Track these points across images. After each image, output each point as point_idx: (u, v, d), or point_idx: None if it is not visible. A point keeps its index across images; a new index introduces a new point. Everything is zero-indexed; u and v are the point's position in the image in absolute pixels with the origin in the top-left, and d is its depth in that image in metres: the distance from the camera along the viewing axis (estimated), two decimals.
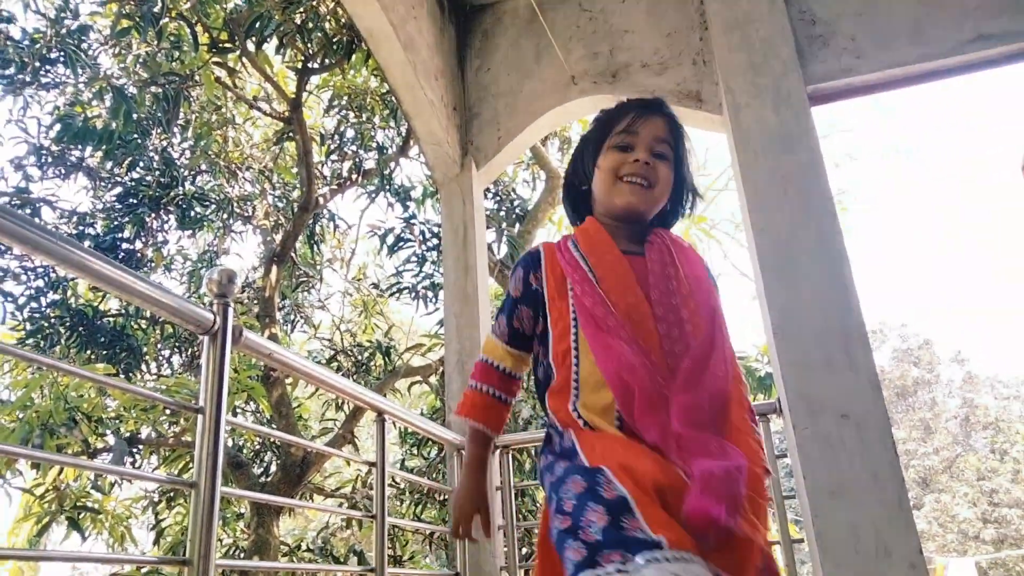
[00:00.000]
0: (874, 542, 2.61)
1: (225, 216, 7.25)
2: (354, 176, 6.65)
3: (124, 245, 6.89)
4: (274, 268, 6.08)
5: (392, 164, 6.76)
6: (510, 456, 3.62)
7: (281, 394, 5.57)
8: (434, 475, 6.06)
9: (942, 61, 3.23)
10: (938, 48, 3.22)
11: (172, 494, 6.79)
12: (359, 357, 7.33)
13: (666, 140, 1.42)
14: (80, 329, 6.56)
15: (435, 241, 6.79)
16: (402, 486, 6.11)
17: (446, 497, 5.92)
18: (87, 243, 6.65)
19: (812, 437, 2.85)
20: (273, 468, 5.90)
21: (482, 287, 3.91)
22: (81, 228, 6.75)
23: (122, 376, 6.37)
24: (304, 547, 6.40)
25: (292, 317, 8.02)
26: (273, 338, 5.78)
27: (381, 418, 2.70)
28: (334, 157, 6.83)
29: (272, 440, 6.97)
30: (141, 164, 6.81)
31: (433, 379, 6.60)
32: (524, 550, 6.47)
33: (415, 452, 6.55)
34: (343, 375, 7.10)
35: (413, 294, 6.80)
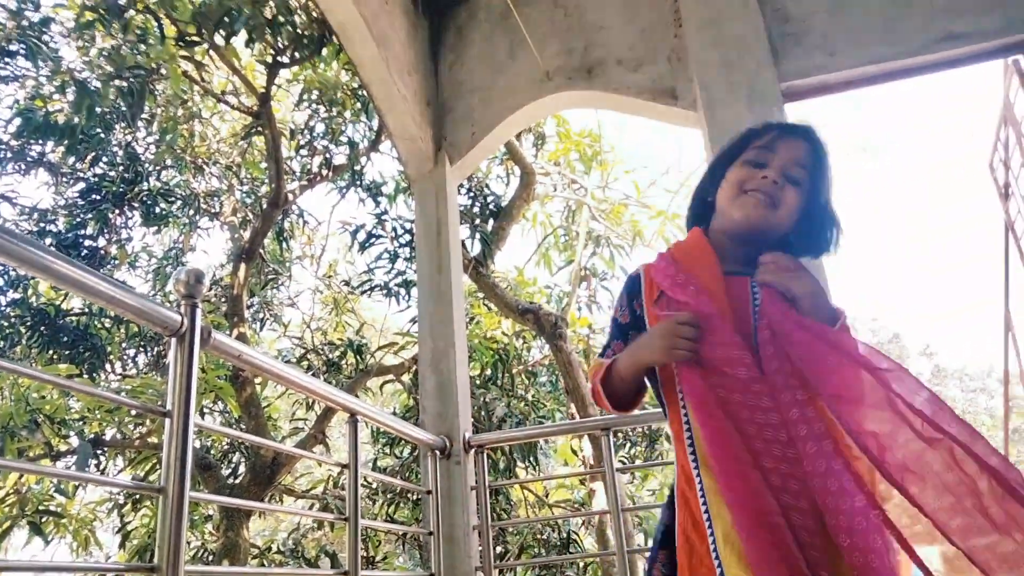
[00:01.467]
0: None
1: (191, 212, 7.11)
2: (324, 171, 6.55)
3: (87, 242, 6.72)
4: (242, 266, 5.96)
5: (363, 159, 6.67)
6: (484, 456, 3.59)
7: (251, 394, 5.48)
8: (407, 475, 6.01)
9: (913, 59, 3.26)
10: (909, 46, 3.24)
11: (138, 496, 6.65)
12: (330, 356, 7.23)
13: (804, 166, 1.33)
14: (42, 328, 6.39)
15: (407, 237, 6.72)
16: (374, 486, 6.04)
17: (419, 497, 5.86)
18: (49, 240, 6.48)
19: None
20: (242, 469, 5.80)
21: (456, 286, 3.87)
22: (42, 225, 6.57)
23: (86, 376, 6.21)
24: (275, 549, 6.31)
25: (261, 315, 7.89)
26: (242, 337, 5.68)
27: (354, 419, 2.65)
28: (304, 152, 6.73)
29: (241, 441, 6.85)
30: (104, 159, 6.64)
31: (406, 377, 6.54)
32: (498, 549, 6.45)
33: (388, 451, 6.49)
34: (314, 374, 7.00)
35: (385, 291, 6.73)
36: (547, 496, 7.02)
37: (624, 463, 6.47)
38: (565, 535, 6.40)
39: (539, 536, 6.39)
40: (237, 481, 5.51)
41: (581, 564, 6.53)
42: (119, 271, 7.21)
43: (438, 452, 3.36)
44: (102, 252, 6.68)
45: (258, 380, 5.74)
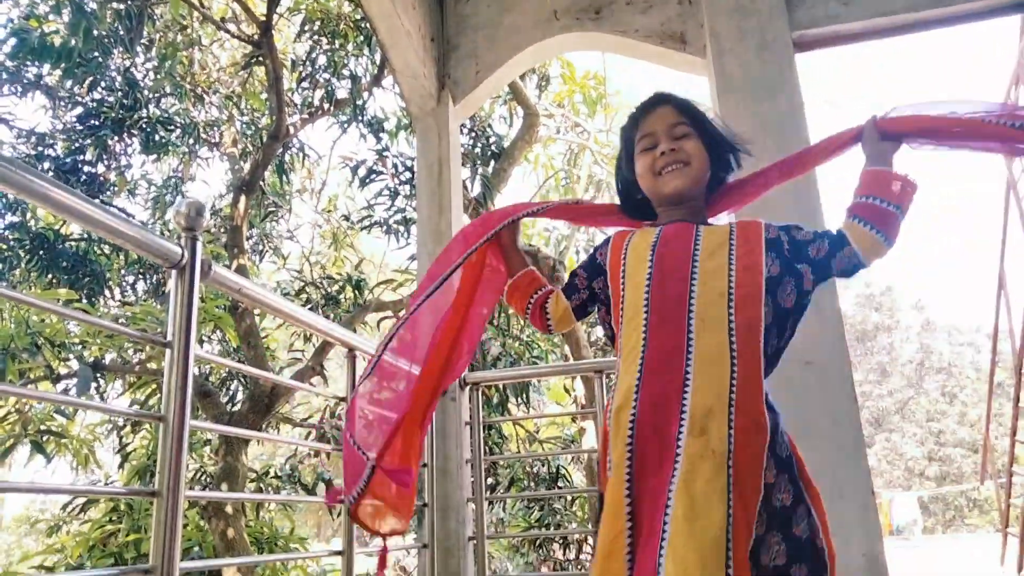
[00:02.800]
0: (829, 484, 2.71)
1: (191, 141, 7.04)
2: (326, 105, 6.46)
3: (86, 168, 6.67)
4: (242, 198, 5.94)
5: (365, 94, 6.57)
6: (479, 392, 3.66)
7: (250, 325, 5.53)
8: None
9: (927, 12, 3.19)
10: None
11: (138, 420, 6.79)
12: (328, 290, 7.28)
13: (680, 122, 1.49)
14: (40, 253, 6.40)
15: (408, 175, 6.68)
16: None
17: None
18: (47, 165, 6.43)
19: (775, 383, 2.92)
20: (241, 396, 5.90)
21: (456, 227, 3.87)
22: (40, 149, 6.51)
23: (85, 302, 6.26)
24: (272, 473, 6.47)
25: (260, 247, 7.91)
26: (241, 269, 5.70)
27: (352, 354, 2.70)
28: (305, 85, 6.62)
29: (242, 378, 6.95)
30: (103, 84, 6.54)
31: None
32: (489, 480, 6.63)
33: None
34: (312, 308, 7.06)
35: (385, 228, 6.73)
36: (538, 432, 7.18)
37: None
38: (554, 470, 6.58)
39: (529, 470, 6.57)
40: (236, 409, 5.61)
41: (569, 497, 6.73)
42: (118, 198, 7.18)
43: None
44: (101, 179, 6.64)
45: (257, 311, 5.80)
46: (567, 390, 6.76)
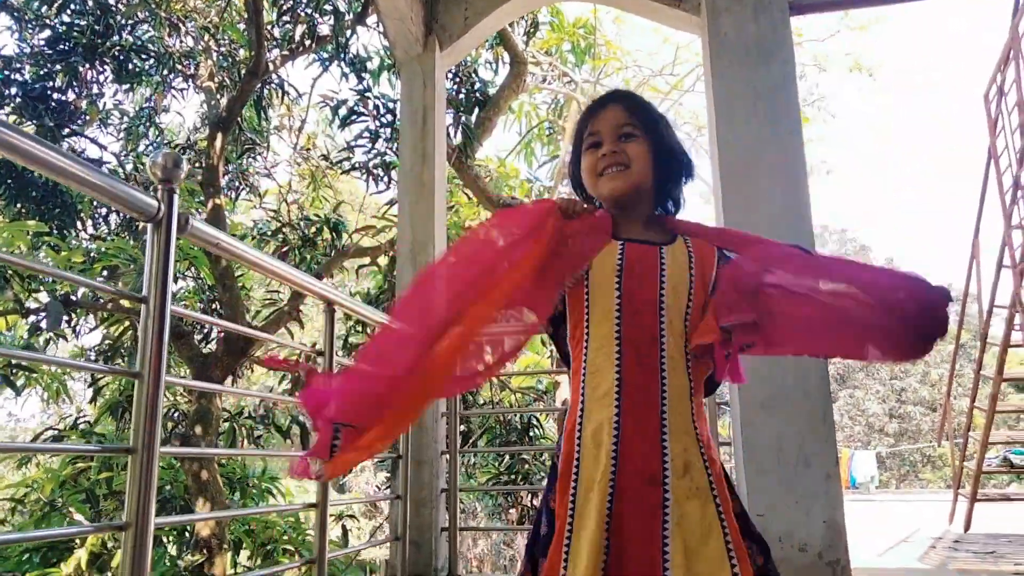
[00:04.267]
0: (796, 453, 2.78)
1: (165, 72, 6.80)
2: (307, 42, 6.25)
3: (55, 96, 6.43)
4: (219, 135, 5.78)
5: (348, 32, 6.36)
6: None
7: (226, 266, 5.45)
8: None
9: None
10: None
11: (109, 354, 6.73)
12: (306, 231, 7.18)
13: (628, 123, 1.43)
14: (9, 182, 6.21)
15: (390, 117, 6.53)
16: None
17: None
18: (14, 90, 6.18)
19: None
20: (215, 334, 5.84)
21: (439, 177, 3.82)
22: (6, 73, 6.25)
23: (55, 235, 6.12)
24: (246, 414, 6.49)
25: (236, 184, 7.74)
26: (217, 209, 5.59)
27: (331, 308, 2.67)
28: (286, 19, 6.39)
29: (214, 308, 6.88)
30: (73, 7, 6.25)
31: (382, 259, 6.55)
32: (461, 427, 6.71)
33: (359, 329, 6.58)
34: (289, 249, 6.98)
35: (364, 172, 6.61)
36: (510, 380, 7.24)
37: None
38: (526, 419, 6.67)
39: (501, 419, 6.65)
40: (210, 350, 5.57)
41: (539, 449, 6.84)
42: (90, 128, 6.96)
43: None
44: (72, 107, 6.41)
45: (239, 269, 5.71)
46: (543, 342, 6.80)
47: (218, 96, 6.46)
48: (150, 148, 7.67)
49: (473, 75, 5.94)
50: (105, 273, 5.76)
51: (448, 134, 5.81)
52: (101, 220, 7.55)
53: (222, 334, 5.64)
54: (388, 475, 6.41)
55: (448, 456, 3.47)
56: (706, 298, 1.34)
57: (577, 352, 1.36)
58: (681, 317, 1.32)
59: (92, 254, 6.14)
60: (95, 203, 7.30)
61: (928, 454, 23.49)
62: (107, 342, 6.95)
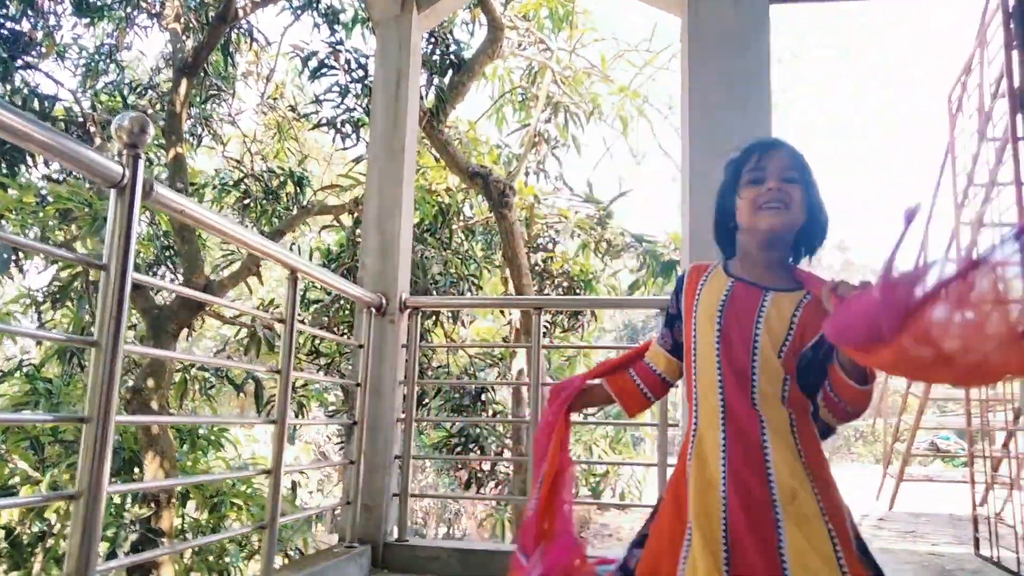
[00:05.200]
0: None
1: (128, 8, 6.52)
2: None
3: (8, 24, 6.13)
4: (183, 81, 5.59)
5: None
6: (419, 317, 3.68)
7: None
8: (340, 330, 6.10)
9: None
10: None
11: (58, 296, 6.56)
12: (269, 183, 7.04)
13: (793, 168, 1.55)
14: None
15: (361, 73, 6.40)
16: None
17: (348, 350, 6.04)
18: None
19: None
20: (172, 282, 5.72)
21: (410, 143, 3.77)
22: None
23: (6, 173, 5.89)
24: (198, 366, 6.42)
25: (198, 130, 7.52)
26: (179, 159, 5.44)
27: (294, 276, 2.65)
28: None
29: (169, 255, 6.74)
30: None
31: (345, 218, 6.47)
32: (416, 389, 6.73)
33: (316, 286, 6.54)
34: (251, 201, 6.85)
35: (332, 127, 6.48)
36: (464, 342, 7.27)
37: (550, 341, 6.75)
38: (480, 388, 6.75)
39: (456, 382, 6.71)
40: (166, 303, 5.47)
41: (490, 411, 6.93)
42: (45, 61, 6.66)
43: (374, 309, 3.42)
44: (27, 37, 6.12)
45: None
46: (503, 312, 6.83)
47: (184, 38, 6.23)
48: (109, 86, 7.39)
49: (448, 36, 5.83)
50: (58, 216, 5.59)
51: (421, 96, 5.73)
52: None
53: (176, 285, 5.54)
54: (340, 434, 6.43)
55: (403, 424, 3.50)
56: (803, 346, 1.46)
57: (688, 377, 1.57)
58: (775, 356, 1.44)
59: (45, 194, 5.95)
60: None
61: (862, 430, 24.36)
62: (56, 284, 6.78)
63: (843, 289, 1.36)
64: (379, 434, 3.39)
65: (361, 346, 3.38)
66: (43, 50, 6.38)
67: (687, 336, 1.59)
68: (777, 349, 1.45)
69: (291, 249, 6.77)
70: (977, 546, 4.27)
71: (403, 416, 3.51)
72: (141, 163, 1.78)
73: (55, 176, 6.60)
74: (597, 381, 1.86)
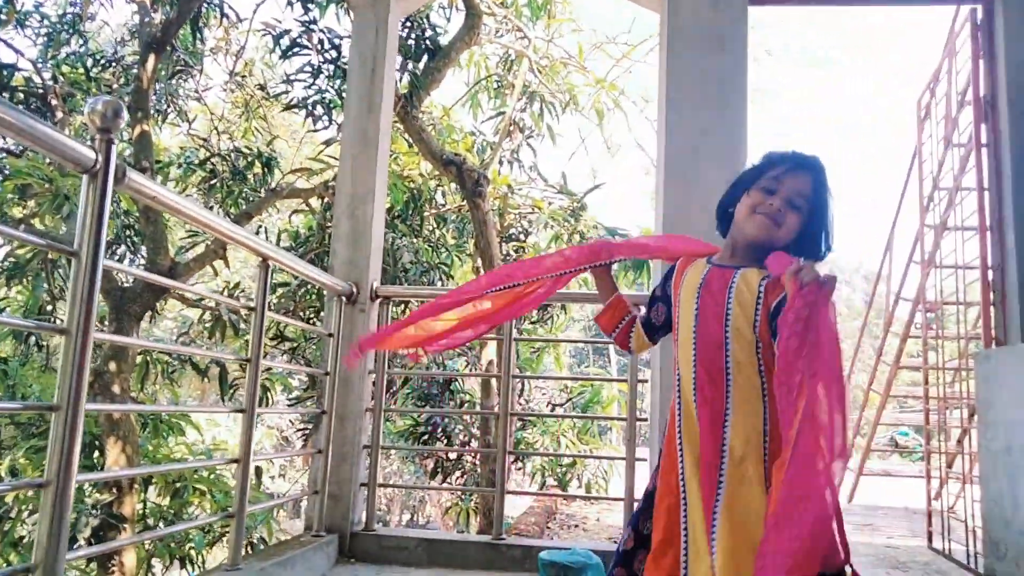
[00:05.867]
0: None
1: None
2: None
3: None
4: (151, 57, 5.44)
5: None
6: (389, 307, 3.66)
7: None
8: (307, 315, 6.03)
9: None
10: None
11: (13, 272, 6.38)
12: (236, 163, 6.91)
13: (806, 196, 1.63)
14: None
15: (334, 54, 6.30)
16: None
17: (314, 336, 6.00)
18: None
19: None
20: (135, 262, 5.58)
21: (384, 130, 3.73)
22: None
23: None
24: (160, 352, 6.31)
25: (164, 107, 7.34)
26: (145, 135, 5.30)
27: (265, 264, 2.62)
28: None
29: (129, 235, 6.57)
30: None
31: (315, 202, 6.38)
32: (392, 390, 6.71)
33: (282, 270, 6.45)
34: (217, 181, 6.72)
35: (303, 108, 6.37)
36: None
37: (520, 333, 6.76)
38: (448, 378, 6.75)
39: (424, 371, 6.69)
40: (128, 285, 5.35)
41: (458, 401, 6.94)
42: (4, 29, 6.43)
43: (344, 298, 3.39)
44: None
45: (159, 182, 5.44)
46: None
47: (152, 10, 6.05)
48: (71, 57, 7.17)
49: (424, 21, 5.75)
50: (16, 191, 5.42)
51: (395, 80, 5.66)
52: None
53: (141, 268, 5.42)
54: (304, 419, 6.39)
55: (372, 414, 3.49)
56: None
57: (675, 353, 1.69)
58: (750, 326, 1.55)
59: (4, 169, 5.77)
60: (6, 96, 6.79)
61: None
62: (10, 260, 6.59)
63: (805, 274, 1.42)
64: (348, 423, 3.37)
65: (331, 335, 3.35)
66: (3, 17, 6.16)
67: (673, 318, 1.71)
68: (750, 319, 1.55)
69: (258, 232, 6.66)
70: (930, 539, 4.41)
71: (371, 406, 3.50)
72: (114, 148, 1.74)
73: (13, 149, 6.40)
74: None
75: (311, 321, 5.96)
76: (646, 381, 3.57)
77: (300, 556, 2.81)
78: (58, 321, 5.81)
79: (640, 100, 7.13)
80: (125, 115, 1.78)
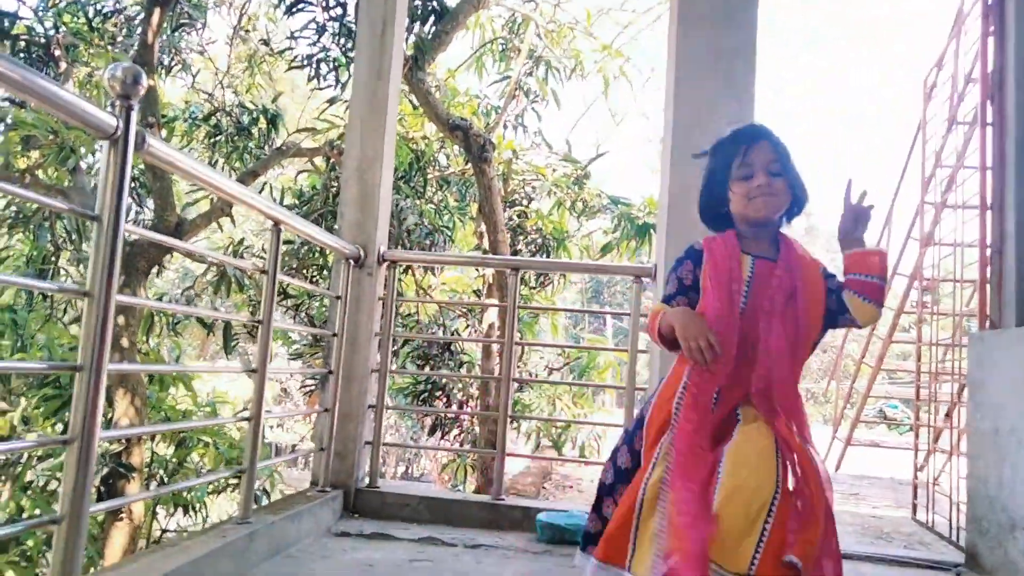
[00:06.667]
0: None
1: None
2: None
3: None
4: (156, 11, 5.39)
5: None
6: (396, 270, 3.71)
7: None
8: (310, 273, 6.08)
9: None
10: None
11: (14, 224, 6.40)
12: (241, 119, 6.89)
13: (775, 159, 1.77)
14: None
15: (339, 11, 6.25)
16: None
17: (317, 295, 6.06)
18: None
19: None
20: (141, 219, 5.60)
21: (393, 94, 3.73)
22: None
23: None
24: (166, 300, 6.38)
25: (168, 60, 7.27)
26: (151, 91, 5.28)
27: (277, 228, 2.66)
28: None
29: (134, 187, 6.58)
30: None
31: (319, 161, 6.38)
32: (394, 348, 6.79)
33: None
34: (222, 137, 6.71)
35: (308, 65, 6.33)
36: (433, 289, 7.31)
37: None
38: (450, 334, 6.83)
39: (426, 330, 6.79)
40: (135, 240, 5.37)
41: (458, 362, 7.03)
42: None
43: (352, 261, 3.44)
44: None
45: (164, 136, 5.44)
46: (480, 248, 6.82)
47: None
48: (72, 6, 7.08)
49: None
50: (21, 142, 5.42)
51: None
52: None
53: (149, 224, 5.45)
54: (305, 374, 6.49)
55: (378, 374, 3.57)
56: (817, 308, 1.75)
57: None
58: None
59: (7, 118, 5.74)
60: (10, 55, 6.74)
61: (813, 390, 25.22)
62: (12, 208, 6.60)
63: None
64: (353, 384, 3.45)
65: (339, 297, 3.41)
66: None
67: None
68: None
69: (262, 189, 6.67)
70: (915, 511, 4.54)
71: (378, 368, 3.57)
72: (134, 115, 1.77)
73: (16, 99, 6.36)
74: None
75: (315, 280, 6.01)
76: (646, 352, 3.63)
77: (307, 511, 2.91)
78: (63, 272, 5.85)
79: (646, 69, 7.09)
80: (145, 81, 1.81)
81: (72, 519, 1.65)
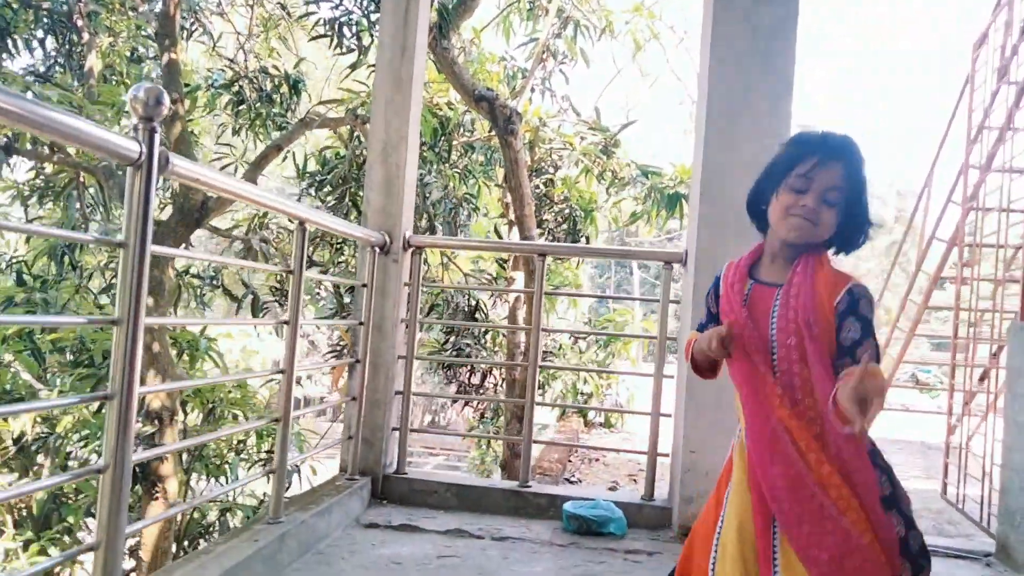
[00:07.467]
0: (717, 383, 2.97)
1: None
2: None
3: None
4: None
5: None
6: (422, 256, 3.68)
7: (180, 132, 5.18)
8: (332, 257, 6.07)
9: None
10: None
11: (43, 191, 6.44)
12: (263, 86, 6.81)
13: (839, 188, 1.59)
14: None
15: None
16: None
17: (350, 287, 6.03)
18: None
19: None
20: (169, 210, 5.62)
21: (418, 72, 3.64)
22: None
23: None
24: (193, 273, 6.42)
25: (189, 24, 7.17)
26: (173, 64, 5.21)
27: (302, 226, 2.62)
28: None
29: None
30: None
31: (343, 130, 6.30)
32: (419, 337, 6.79)
33: (313, 193, 6.47)
34: (245, 105, 6.66)
35: (329, 29, 6.20)
36: (455, 256, 7.27)
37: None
38: (474, 302, 6.81)
39: (449, 299, 6.77)
40: (163, 218, 5.39)
41: (483, 329, 7.03)
42: None
43: (377, 248, 3.41)
44: None
45: (190, 117, 5.41)
46: (498, 233, 6.78)
47: None
48: None
49: None
50: None
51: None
52: (39, 44, 6.96)
53: (176, 204, 5.45)
54: (336, 347, 6.54)
55: (405, 361, 3.57)
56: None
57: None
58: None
59: (30, 91, 5.72)
60: (33, 26, 6.70)
61: None
62: (40, 179, 6.64)
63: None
64: (381, 371, 3.46)
65: (364, 285, 3.40)
66: None
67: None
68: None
69: (285, 159, 6.62)
70: (944, 490, 4.51)
71: (405, 354, 3.57)
72: (157, 137, 1.73)
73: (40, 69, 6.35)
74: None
75: (336, 262, 6.00)
76: (678, 302, 3.55)
77: (337, 503, 2.95)
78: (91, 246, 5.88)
79: (678, 27, 6.84)
80: (167, 102, 1.77)
81: (116, 468, 1.68)
